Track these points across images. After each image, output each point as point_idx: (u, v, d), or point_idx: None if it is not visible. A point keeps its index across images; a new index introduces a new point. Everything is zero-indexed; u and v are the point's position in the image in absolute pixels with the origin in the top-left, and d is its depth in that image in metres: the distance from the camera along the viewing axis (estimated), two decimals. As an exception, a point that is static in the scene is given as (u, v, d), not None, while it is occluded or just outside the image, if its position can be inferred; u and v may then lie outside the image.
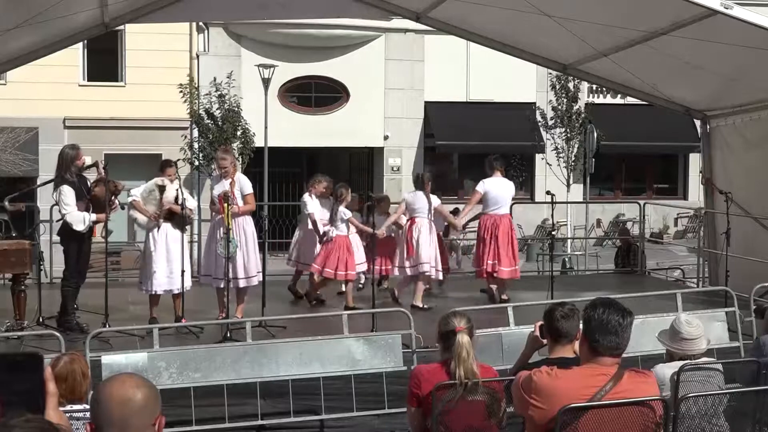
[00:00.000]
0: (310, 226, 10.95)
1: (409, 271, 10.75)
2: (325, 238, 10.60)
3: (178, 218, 9.29)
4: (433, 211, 10.89)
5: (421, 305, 10.48)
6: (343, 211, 10.57)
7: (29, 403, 2.36)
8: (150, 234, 9.35)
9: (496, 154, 12.28)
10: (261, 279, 9.73)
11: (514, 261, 11.07)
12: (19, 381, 2.40)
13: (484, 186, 11.06)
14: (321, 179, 11.28)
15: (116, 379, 2.61)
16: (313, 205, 10.97)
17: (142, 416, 2.53)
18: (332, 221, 10.60)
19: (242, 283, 9.59)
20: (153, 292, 9.35)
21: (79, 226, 8.94)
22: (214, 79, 22.52)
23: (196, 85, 23.23)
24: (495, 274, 10.91)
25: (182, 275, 9.10)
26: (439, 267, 11.00)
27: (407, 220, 10.88)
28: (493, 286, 11.04)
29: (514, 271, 11.09)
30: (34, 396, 2.41)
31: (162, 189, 9.24)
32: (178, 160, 12.17)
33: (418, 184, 11.07)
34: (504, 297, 10.71)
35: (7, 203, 9.67)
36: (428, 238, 10.74)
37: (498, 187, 11.06)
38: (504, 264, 10.88)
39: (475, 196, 11.21)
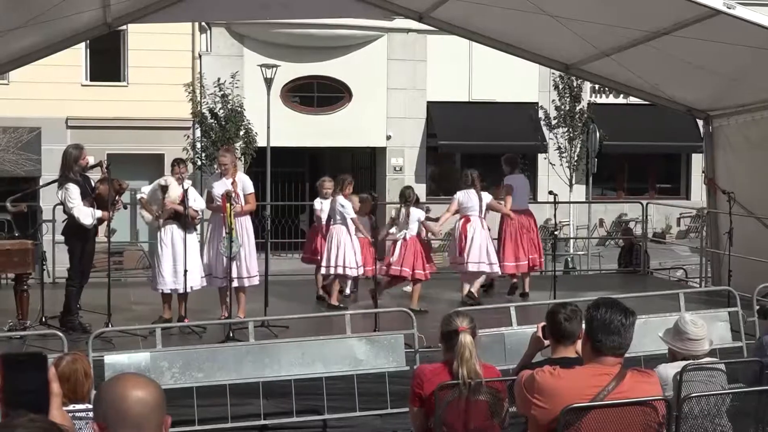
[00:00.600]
0: (352, 229, 10.52)
1: (469, 267, 10.68)
2: (400, 240, 10.42)
3: (183, 219, 9.23)
4: (486, 207, 10.90)
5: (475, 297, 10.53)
6: (419, 213, 10.57)
7: (33, 403, 2.35)
8: (158, 234, 9.41)
9: (512, 153, 12.54)
10: (261, 278, 9.73)
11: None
12: (24, 381, 2.39)
13: (513, 183, 11.34)
14: (351, 180, 10.92)
15: (127, 379, 2.56)
16: (351, 208, 10.60)
17: (158, 415, 2.52)
18: (400, 223, 10.49)
19: (246, 282, 9.60)
20: (160, 291, 9.39)
21: (87, 220, 8.92)
22: (218, 79, 22.50)
23: (201, 85, 23.20)
24: (535, 267, 11.46)
25: (185, 275, 9.11)
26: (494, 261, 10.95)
27: (461, 219, 10.84)
28: (515, 280, 11.34)
29: (541, 262, 11.78)
30: (39, 396, 2.40)
31: (164, 189, 9.22)
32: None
33: (468, 182, 10.95)
34: (527, 290, 11.27)
35: (9, 204, 9.66)
36: (484, 236, 10.78)
37: (522, 184, 11.54)
38: (540, 256, 11.50)
39: (508, 189, 11.36)
